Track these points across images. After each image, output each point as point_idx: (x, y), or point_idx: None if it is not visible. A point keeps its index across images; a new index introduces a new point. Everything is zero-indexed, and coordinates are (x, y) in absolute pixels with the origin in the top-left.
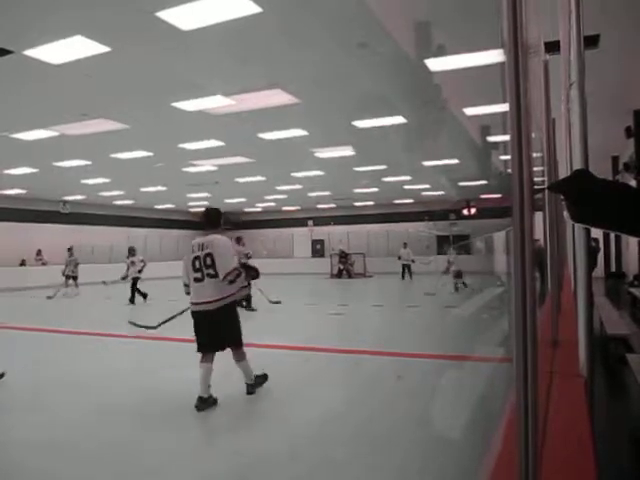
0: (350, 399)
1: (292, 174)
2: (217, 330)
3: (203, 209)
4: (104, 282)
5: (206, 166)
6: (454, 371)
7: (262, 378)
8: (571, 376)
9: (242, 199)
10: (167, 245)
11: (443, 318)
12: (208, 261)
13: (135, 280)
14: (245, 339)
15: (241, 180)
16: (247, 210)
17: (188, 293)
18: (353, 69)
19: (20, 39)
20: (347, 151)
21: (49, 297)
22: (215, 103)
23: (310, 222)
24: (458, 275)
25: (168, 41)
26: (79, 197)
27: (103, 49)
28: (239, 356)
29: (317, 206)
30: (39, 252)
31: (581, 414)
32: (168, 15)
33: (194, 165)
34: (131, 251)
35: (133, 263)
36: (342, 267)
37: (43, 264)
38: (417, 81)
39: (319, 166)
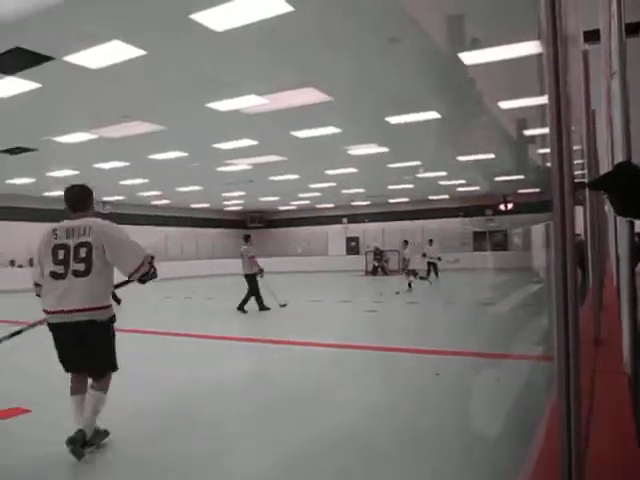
0: (386, 397)
1: (326, 172)
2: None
3: (68, 186)
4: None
5: (240, 165)
6: (492, 369)
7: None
8: (615, 373)
9: (276, 197)
10: (203, 244)
11: (480, 315)
12: (81, 253)
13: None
14: (279, 336)
15: (275, 178)
16: (281, 208)
17: (39, 295)
18: (386, 65)
19: (60, 46)
20: (380, 148)
21: None
22: (249, 102)
23: (344, 219)
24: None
25: (202, 42)
26: (118, 197)
27: (139, 52)
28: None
29: (351, 203)
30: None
31: (625, 412)
32: (202, 17)
33: (228, 164)
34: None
35: None
36: (377, 264)
37: None
38: (451, 75)
39: (353, 163)
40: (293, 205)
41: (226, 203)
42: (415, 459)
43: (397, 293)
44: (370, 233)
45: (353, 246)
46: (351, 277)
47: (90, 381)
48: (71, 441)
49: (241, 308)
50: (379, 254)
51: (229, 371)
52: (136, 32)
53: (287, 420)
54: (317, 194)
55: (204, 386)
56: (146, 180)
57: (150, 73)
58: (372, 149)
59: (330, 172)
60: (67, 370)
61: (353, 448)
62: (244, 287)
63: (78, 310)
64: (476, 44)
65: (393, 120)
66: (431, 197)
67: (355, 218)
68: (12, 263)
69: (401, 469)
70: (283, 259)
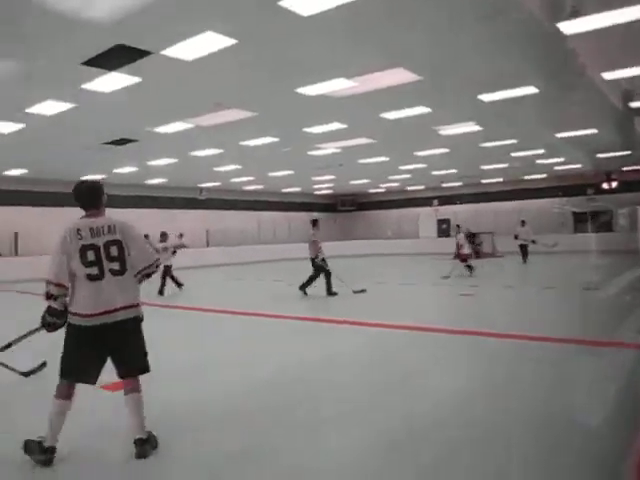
0: (481, 383)
1: (416, 153)
2: (118, 350)
3: (78, 183)
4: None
5: (330, 149)
6: (594, 358)
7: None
8: None
9: (366, 180)
10: (295, 227)
11: (580, 300)
12: (113, 251)
13: (167, 269)
14: (372, 318)
15: (365, 161)
16: (371, 191)
17: (56, 297)
18: (478, 40)
19: (157, 40)
20: (473, 126)
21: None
22: (337, 86)
23: (435, 201)
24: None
25: (290, 28)
26: (213, 184)
27: (230, 42)
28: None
29: (442, 185)
30: (181, 235)
31: None
32: (289, 3)
33: (319, 148)
34: (163, 235)
35: (165, 249)
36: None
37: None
38: (549, 47)
39: (443, 143)
40: (383, 187)
41: (317, 187)
42: (503, 448)
43: (446, 277)
44: (462, 214)
45: (444, 228)
46: (442, 260)
47: (122, 383)
48: (142, 443)
49: (328, 292)
50: (472, 236)
51: (323, 352)
52: (227, 22)
53: (371, 402)
54: (407, 176)
55: (298, 366)
56: (239, 166)
57: (241, 61)
58: (464, 128)
59: (420, 153)
60: (74, 376)
61: (440, 435)
62: (333, 270)
63: (123, 308)
64: (576, 12)
65: (486, 97)
66: (527, 177)
67: (446, 200)
68: None
69: (488, 457)
70: (373, 242)
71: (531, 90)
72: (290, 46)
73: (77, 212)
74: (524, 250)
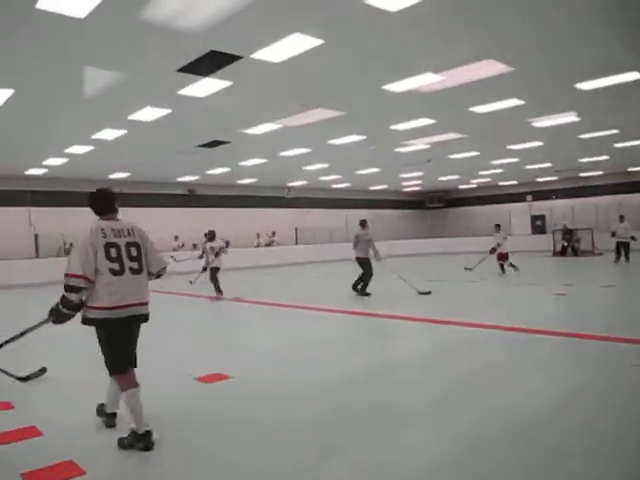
0: (576, 387)
1: (508, 147)
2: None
3: (94, 191)
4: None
5: (418, 145)
6: None
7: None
8: None
9: (456, 176)
10: (381, 225)
11: None
12: (133, 252)
13: (214, 271)
14: (464, 317)
15: (454, 157)
16: (461, 187)
17: (78, 290)
18: (575, 26)
19: (247, 45)
20: (570, 117)
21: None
22: (425, 81)
23: (529, 197)
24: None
25: (376, 25)
26: (301, 183)
27: (317, 42)
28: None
29: (536, 179)
30: (227, 244)
31: None
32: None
33: (406, 145)
34: (210, 234)
35: (212, 249)
36: (566, 244)
37: (270, 244)
38: None
39: (538, 136)
40: (473, 183)
41: (404, 184)
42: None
43: (468, 269)
44: (558, 210)
45: (539, 225)
46: (537, 258)
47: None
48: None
49: (362, 292)
50: (569, 233)
51: (411, 350)
52: (314, 23)
53: (464, 405)
54: (499, 171)
55: (389, 362)
56: (327, 165)
57: (328, 61)
58: (560, 119)
59: (512, 147)
60: (130, 363)
61: (529, 443)
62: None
63: (141, 304)
64: None
65: (585, 86)
66: (630, 169)
67: (541, 195)
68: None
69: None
70: (464, 239)
71: (635, 76)
72: (377, 43)
73: (172, 212)
74: (625, 248)
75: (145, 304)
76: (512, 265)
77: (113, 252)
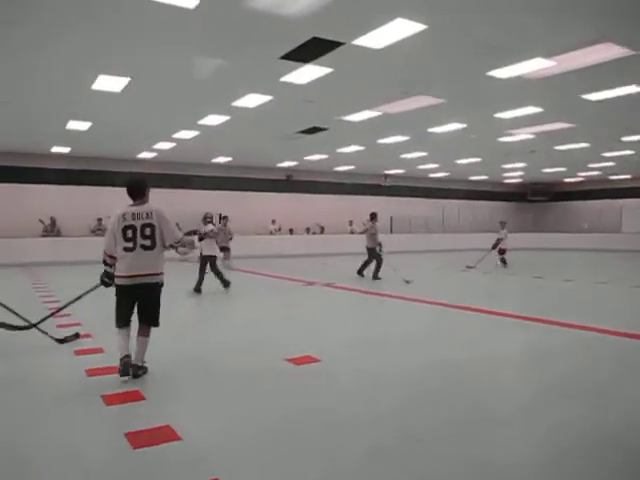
0: None
1: (622, 138)
2: (143, 305)
3: (129, 180)
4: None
5: (522, 135)
6: None
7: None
8: None
9: (561, 168)
10: (479, 217)
11: None
12: (147, 232)
13: (211, 260)
14: (555, 317)
15: (561, 148)
16: (567, 180)
17: (110, 265)
18: None
19: (349, 31)
20: None
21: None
22: (533, 66)
23: None
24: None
25: (484, 7)
26: (398, 171)
27: (420, 27)
28: (148, 332)
29: None
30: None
31: None
32: None
33: (509, 134)
34: (206, 218)
35: (213, 232)
36: None
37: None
38: None
39: None
40: (581, 176)
41: (506, 175)
42: None
43: (470, 267)
44: None
45: None
46: None
47: (135, 330)
48: (125, 366)
49: (374, 276)
50: None
51: (503, 347)
52: (417, 8)
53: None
54: (611, 164)
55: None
56: (425, 153)
57: (431, 46)
58: None
59: (628, 138)
60: (123, 323)
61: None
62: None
63: (149, 275)
64: None
65: None
66: None
67: None
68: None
69: None
70: (568, 235)
71: None
72: (483, 27)
73: (270, 197)
74: None
75: (152, 275)
76: (503, 260)
77: (129, 233)
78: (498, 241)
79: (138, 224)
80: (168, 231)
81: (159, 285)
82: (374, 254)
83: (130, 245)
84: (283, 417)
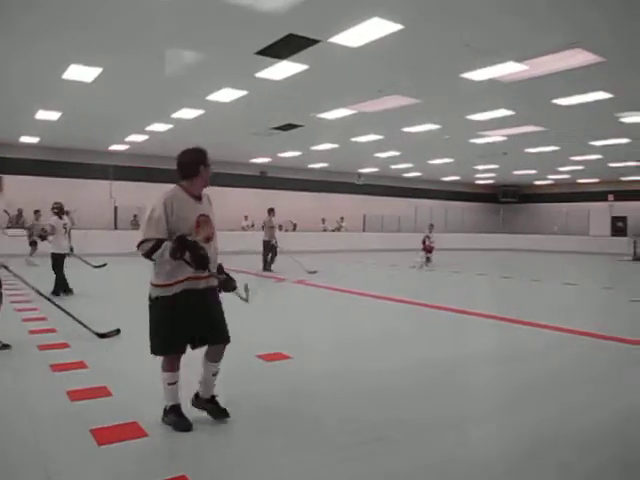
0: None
1: (590, 143)
2: (206, 317)
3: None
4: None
5: (494, 137)
6: None
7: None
8: None
9: (532, 171)
10: (451, 217)
11: None
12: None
13: (58, 258)
14: (531, 318)
15: (531, 150)
16: (537, 183)
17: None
18: None
19: (325, 28)
20: None
21: None
22: (506, 70)
23: (610, 196)
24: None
25: (459, 10)
26: (372, 170)
27: (396, 27)
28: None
29: (620, 178)
30: (342, 219)
31: None
32: None
33: (482, 136)
34: (57, 209)
35: (53, 229)
36: None
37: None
38: None
39: (625, 132)
40: (550, 179)
41: (477, 176)
42: None
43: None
44: None
45: (620, 226)
46: (616, 262)
47: (201, 351)
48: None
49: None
50: None
51: (485, 347)
52: (394, 8)
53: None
54: (579, 167)
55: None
56: (399, 153)
57: (406, 47)
58: None
59: (596, 143)
60: (179, 347)
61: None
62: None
63: (211, 275)
64: None
65: None
66: None
67: (624, 195)
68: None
69: None
70: (536, 237)
71: None
72: (458, 29)
73: (243, 192)
74: None
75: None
76: (428, 258)
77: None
78: (427, 239)
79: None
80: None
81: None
82: (269, 246)
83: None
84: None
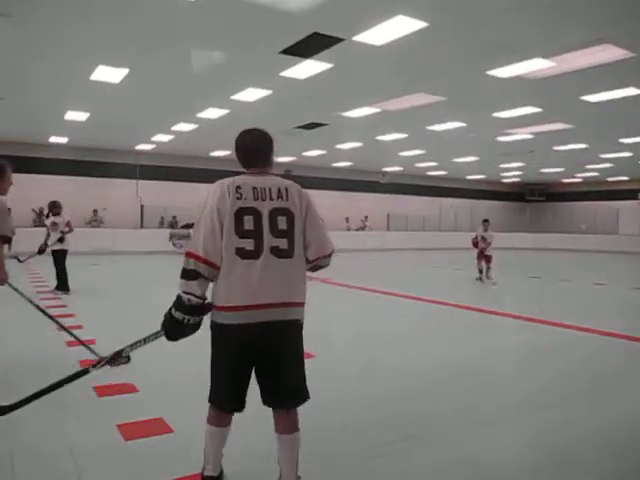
0: None
1: (620, 140)
2: (279, 366)
3: (245, 131)
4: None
5: (521, 134)
6: None
7: None
8: None
9: (559, 169)
10: (477, 216)
11: None
12: (281, 224)
13: (59, 255)
14: (559, 319)
15: (559, 148)
16: (565, 181)
17: (197, 277)
18: None
19: (349, 27)
20: None
21: None
22: (533, 67)
23: None
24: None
25: (485, 7)
26: (396, 168)
27: (421, 25)
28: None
29: None
30: (366, 218)
31: None
32: None
33: (508, 134)
34: (53, 208)
35: (55, 225)
36: None
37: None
38: None
39: None
40: (579, 177)
41: (503, 174)
42: None
43: None
44: None
45: None
46: None
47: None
48: None
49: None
50: None
51: (499, 342)
52: (419, 5)
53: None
54: (608, 165)
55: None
56: (423, 151)
57: (431, 44)
58: None
59: (626, 140)
60: (232, 404)
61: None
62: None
63: (286, 304)
64: None
65: None
66: None
67: None
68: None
69: None
70: (564, 236)
71: None
72: (484, 26)
73: None
74: None
75: (292, 304)
76: (488, 268)
77: (248, 223)
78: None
79: (264, 208)
80: (315, 233)
81: (301, 325)
82: None
83: (251, 247)
84: None
